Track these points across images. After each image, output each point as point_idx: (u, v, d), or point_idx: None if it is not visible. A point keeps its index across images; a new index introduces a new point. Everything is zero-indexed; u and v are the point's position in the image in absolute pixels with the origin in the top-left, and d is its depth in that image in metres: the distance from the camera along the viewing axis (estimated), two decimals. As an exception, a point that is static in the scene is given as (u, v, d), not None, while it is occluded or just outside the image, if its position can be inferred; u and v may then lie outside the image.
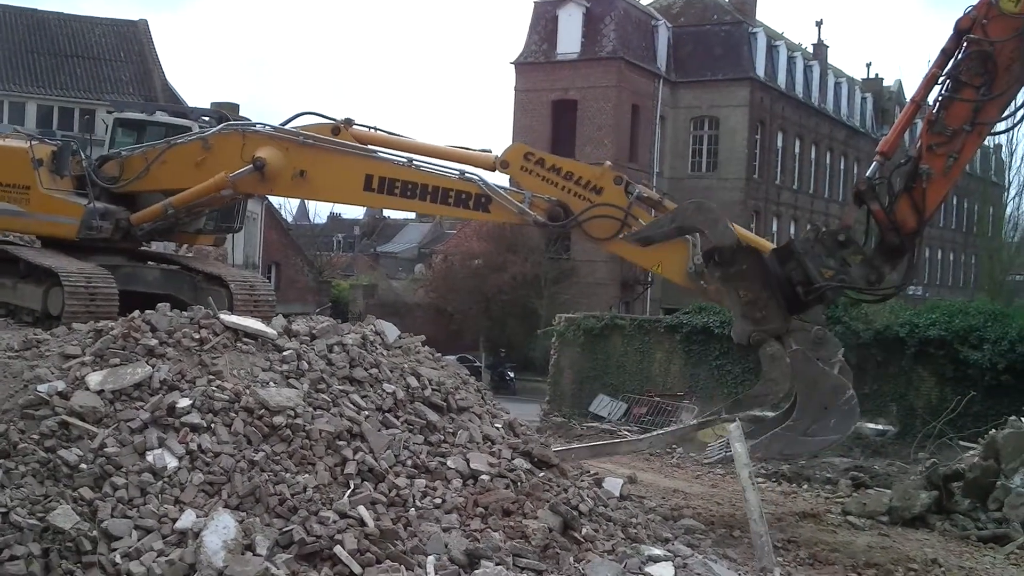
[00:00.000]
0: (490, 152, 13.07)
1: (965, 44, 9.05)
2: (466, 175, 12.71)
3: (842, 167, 68.01)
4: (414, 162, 12.89)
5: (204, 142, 13.51)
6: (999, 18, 8.91)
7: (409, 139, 13.48)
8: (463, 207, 12.81)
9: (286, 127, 13.35)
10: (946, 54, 9.26)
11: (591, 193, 12.22)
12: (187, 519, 8.17)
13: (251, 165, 12.97)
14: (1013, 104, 9.39)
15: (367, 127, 13.37)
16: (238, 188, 13.42)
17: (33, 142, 14.55)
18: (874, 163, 9.76)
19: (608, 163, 12.89)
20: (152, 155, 13.84)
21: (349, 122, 13.15)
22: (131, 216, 14.13)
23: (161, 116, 15.28)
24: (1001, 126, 9.50)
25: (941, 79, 9.30)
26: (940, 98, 9.16)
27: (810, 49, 66.22)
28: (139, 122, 15.25)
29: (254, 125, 13.68)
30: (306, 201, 67.64)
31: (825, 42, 67.34)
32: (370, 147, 13.20)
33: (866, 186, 9.69)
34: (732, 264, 10.36)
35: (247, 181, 13.21)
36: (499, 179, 12.94)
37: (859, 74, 73.38)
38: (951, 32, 9.30)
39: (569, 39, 53.35)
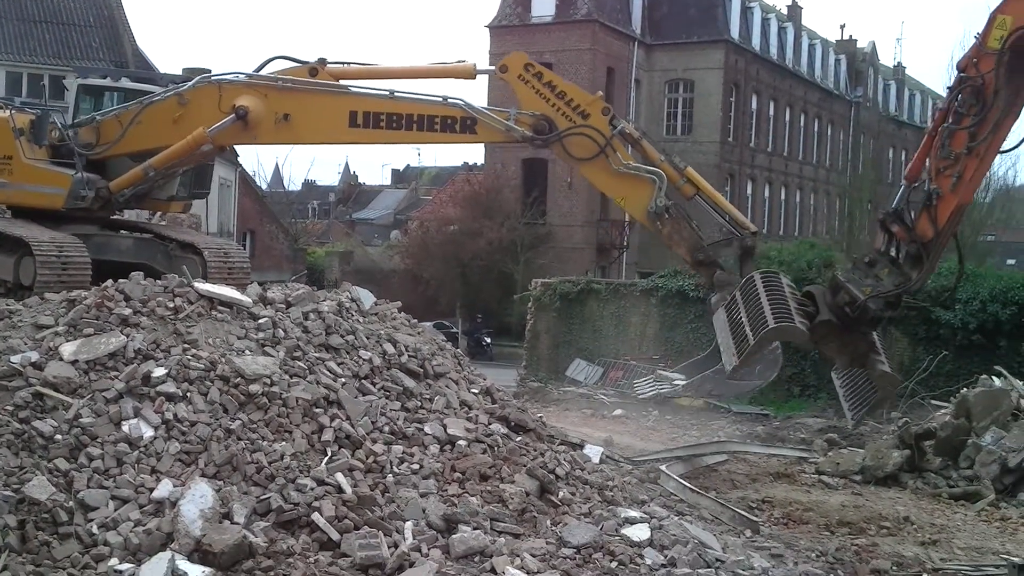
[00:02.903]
0: (465, 62, 13.09)
1: (962, 81, 10.67)
2: (449, 100, 12.66)
3: (816, 129, 67.98)
4: (396, 93, 12.84)
5: (180, 97, 13.33)
6: (986, 55, 10.36)
7: (385, 67, 13.44)
8: (449, 131, 12.77)
9: (259, 74, 13.26)
10: (952, 91, 10.80)
11: (578, 116, 12.32)
12: (164, 489, 8.17)
13: (233, 115, 12.86)
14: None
15: (341, 63, 13.29)
16: (218, 141, 13.31)
17: (11, 111, 14.32)
18: (901, 187, 11.22)
19: (600, 93, 12.98)
20: (127, 117, 13.64)
21: (323, 62, 13.05)
22: (110, 183, 13.97)
23: (126, 82, 15.08)
24: (1006, 145, 10.89)
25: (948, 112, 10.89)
26: (945, 128, 10.66)
27: (784, 11, 66.02)
28: (104, 88, 15.05)
29: (227, 75, 13.53)
30: (280, 168, 67.37)
31: (799, 3, 67.14)
32: (350, 84, 13.14)
33: (883, 215, 11.24)
34: (819, 339, 11.33)
35: (228, 132, 13.09)
36: (478, 100, 13.01)
37: (833, 36, 73.38)
38: (955, 73, 11.07)
39: (544, 2, 52.90)
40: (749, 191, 59.63)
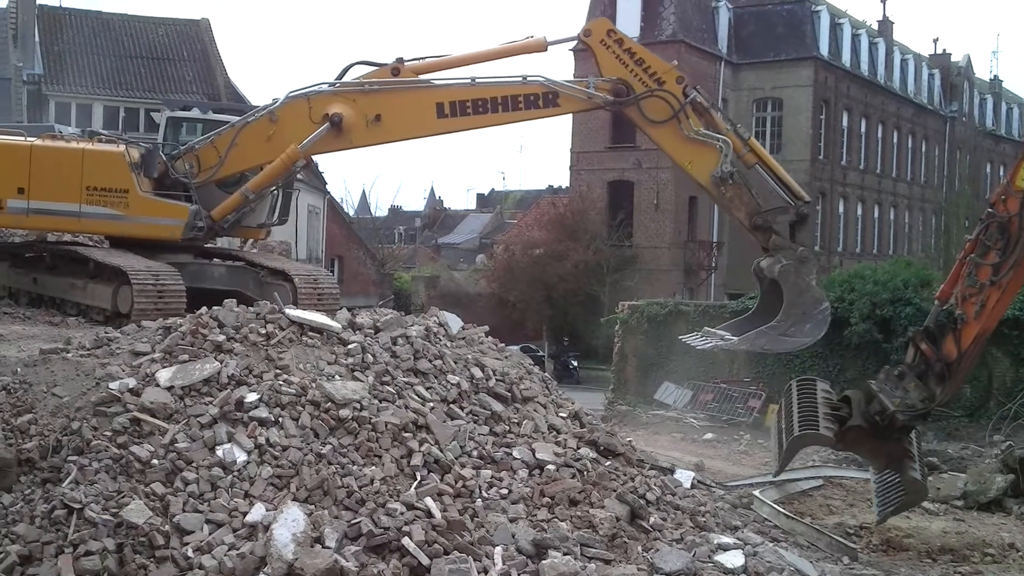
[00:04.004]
0: (532, 37, 13.48)
1: (990, 216, 11.15)
2: (529, 78, 13.09)
3: (910, 145, 66.55)
4: (477, 79, 13.25)
5: (271, 115, 13.80)
6: (1013, 195, 10.86)
7: (460, 55, 13.86)
8: (534, 108, 13.23)
9: (345, 81, 13.66)
10: (980, 223, 11.27)
11: (653, 82, 12.83)
12: (257, 512, 8.25)
13: (326, 124, 13.32)
14: None
15: (417, 59, 13.72)
16: (312, 152, 13.93)
17: (124, 145, 14.75)
18: (935, 306, 11.78)
19: (675, 62, 13.40)
20: (222, 143, 14.02)
21: (401, 60, 13.51)
22: (211, 212, 14.32)
23: (212, 115, 15.48)
24: None
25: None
26: (972, 259, 11.14)
27: (875, 26, 64.86)
28: (193, 120, 15.47)
29: (312, 87, 13.87)
30: (367, 194, 68.44)
31: (890, 18, 65.94)
32: (431, 77, 13.60)
33: (914, 332, 11.77)
34: (850, 442, 11.80)
35: (323, 141, 13.57)
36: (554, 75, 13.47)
37: (926, 50, 71.86)
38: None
39: (628, 22, 52.54)
40: (841, 209, 58.57)
